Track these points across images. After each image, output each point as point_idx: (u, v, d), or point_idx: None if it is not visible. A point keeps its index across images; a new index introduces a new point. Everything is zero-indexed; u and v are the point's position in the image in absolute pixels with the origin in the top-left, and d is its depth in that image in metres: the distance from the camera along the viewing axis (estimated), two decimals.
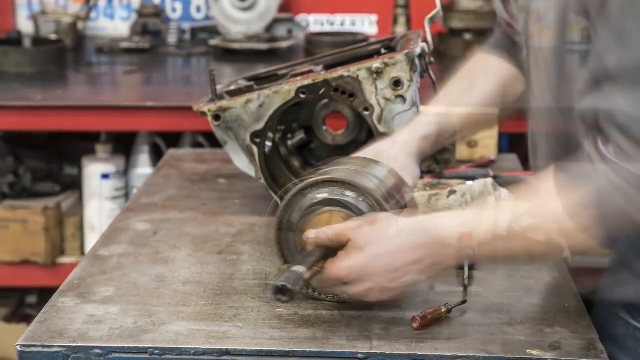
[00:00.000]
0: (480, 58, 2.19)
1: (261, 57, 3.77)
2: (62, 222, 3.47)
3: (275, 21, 4.14)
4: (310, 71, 2.32)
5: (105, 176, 3.44)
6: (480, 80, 2.12)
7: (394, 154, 1.96)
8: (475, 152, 2.80)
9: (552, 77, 1.76)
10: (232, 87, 2.40)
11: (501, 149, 3.33)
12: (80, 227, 3.47)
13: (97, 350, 1.64)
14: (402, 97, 2.18)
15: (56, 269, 3.39)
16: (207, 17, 4.28)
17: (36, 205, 3.41)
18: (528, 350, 1.62)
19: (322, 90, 2.20)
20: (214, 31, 4.16)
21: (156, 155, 3.51)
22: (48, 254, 3.40)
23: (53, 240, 3.42)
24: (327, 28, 4.28)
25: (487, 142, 2.80)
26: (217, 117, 2.23)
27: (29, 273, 3.42)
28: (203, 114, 2.25)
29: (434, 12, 2.29)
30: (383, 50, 2.43)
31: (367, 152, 1.98)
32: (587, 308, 1.81)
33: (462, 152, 2.80)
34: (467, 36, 3.94)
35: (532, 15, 1.82)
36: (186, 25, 4.25)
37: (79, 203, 3.53)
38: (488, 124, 2.24)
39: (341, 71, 2.19)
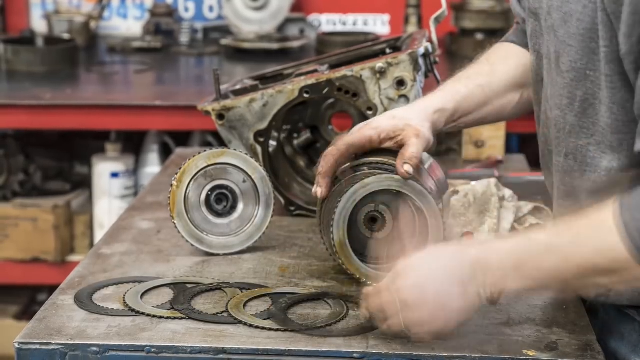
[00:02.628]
0: (500, 46, 2.13)
1: (272, 57, 3.77)
2: (71, 221, 3.48)
3: (288, 21, 4.15)
4: (315, 71, 2.32)
5: (114, 175, 3.45)
6: (500, 64, 2.06)
7: (410, 117, 1.91)
8: (482, 152, 2.79)
9: (575, 98, 1.71)
10: (238, 87, 2.40)
11: (511, 150, 3.34)
12: (90, 226, 3.49)
13: (95, 348, 1.64)
14: (406, 97, 2.18)
15: (66, 267, 3.41)
16: (220, 17, 4.28)
17: (46, 203, 3.43)
18: (524, 351, 1.62)
19: (326, 90, 2.20)
20: (226, 31, 4.17)
21: (165, 154, 3.52)
22: (58, 252, 3.42)
23: (63, 238, 3.43)
24: (339, 28, 4.28)
25: (495, 143, 2.80)
26: (220, 117, 2.24)
27: (39, 271, 3.44)
28: (207, 113, 2.25)
29: (438, 12, 2.29)
30: (388, 50, 2.43)
31: (385, 115, 1.95)
32: (590, 307, 1.81)
33: (469, 152, 2.80)
34: (479, 36, 3.93)
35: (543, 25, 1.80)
36: (198, 25, 4.26)
37: (89, 201, 3.54)
38: (502, 114, 2.10)
39: (344, 71, 2.19)
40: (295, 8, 4.18)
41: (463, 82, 2.03)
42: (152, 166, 3.52)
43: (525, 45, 2.07)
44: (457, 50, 3.94)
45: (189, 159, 2.05)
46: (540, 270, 1.56)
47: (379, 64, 2.17)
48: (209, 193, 2.05)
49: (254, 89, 2.33)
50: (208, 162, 2.04)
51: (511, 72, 2.05)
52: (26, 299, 3.72)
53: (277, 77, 2.47)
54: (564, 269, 1.55)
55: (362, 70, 2.18)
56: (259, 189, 2.06)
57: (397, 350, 1.62)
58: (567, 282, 1.57)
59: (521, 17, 2.09)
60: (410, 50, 2.18)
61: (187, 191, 2.03)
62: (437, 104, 1.96)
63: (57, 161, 3.62)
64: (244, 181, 2.06)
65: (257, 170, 2.06)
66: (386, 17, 4.28)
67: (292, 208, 2.28)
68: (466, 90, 2.00)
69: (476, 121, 2.06)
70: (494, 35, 3.90)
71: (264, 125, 2.23)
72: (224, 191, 2.05)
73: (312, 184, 2.34)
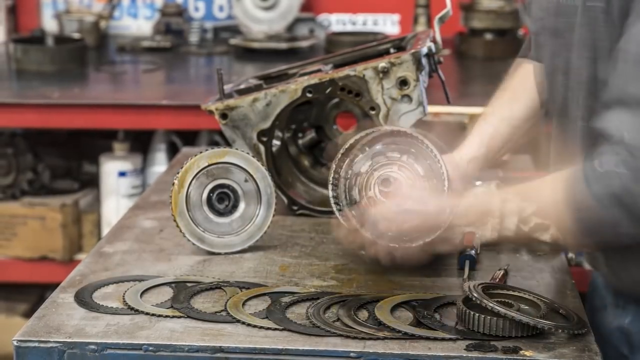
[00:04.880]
0: (518, 66, 2.19)
1: (281, 57, 3.77)
2: (79, 219, 3.49)
3: (297, 20, 4.15)
4: (319, 70, 2.33)
5: (122, 174, 3.46)
6: (520, 89, 2.14)
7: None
8: None
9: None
10: (242, 86, 2.41)
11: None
12: (98, 224, 3.50)
13: (92, 346, 1.65)
14: (408, 97, 2.18)
15: (74, 266, 3.38)
16: (230, 17, 4.29)
17: (54, 202, 3.44)
18: (522, 351, 1.62)
19: (329, 90, 2.20)
20: (236, 30, 4.18)
21: (173, 153, 3.52)
22: (65, 251, 3.43)
23: (70, 237, 3.44)
24: (349, 28, 4.28)
25: None
26: (224, 116, 2.24)
27: (47, 269, 3.45)
28: (210, 112, 2.26)
29: (443, 12, 2.29)
30: (392, 50, 2.43)
31: None
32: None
33: None
34: (488, 36, 3.92)
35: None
36: (208, 25, 4.27)
37: (97, 200, 3.55)
38: (533, 131, 2.22)
39: (347, 70, 2.19)
40: (305, 8, 4.18)
41: (489, 120, 2.15)
42: (160, 165, 3.52)
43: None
44: (466, 50, 3.94)
45: (191, 158, 2.06)
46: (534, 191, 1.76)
47: (382, 63, 2.17)
48: (211, 192, 2.05)
49: (257, 88, 2.34)
50: (210, 161, 2.05)
51: (532, 95, 2.12)
52: (34, 297, 3.72)
53: (282, 77, 2.47)
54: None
55: (365, 70, 2.18)
56: (260, 188, 2.06)
57: (394, 350, 1.62)
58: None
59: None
60: (413, 50, 2.18)
61: (189, 190, 2.04)
62: (469, 154, 2.10)
63: (65, 160, 3.62)
64: (246, 180, 2.06)
65: (259, 170, 2.07)
66: (396, 17, 4.28)
67: (295, 207, 2.29)
68: (492, 129, 2.13)
69: (510, 149, 2.21)
70: (503, 35, 3.90)
71: (267, 124, 2.23)
72: (225, 190, 2.06)
73: (316, 183, 2.37)
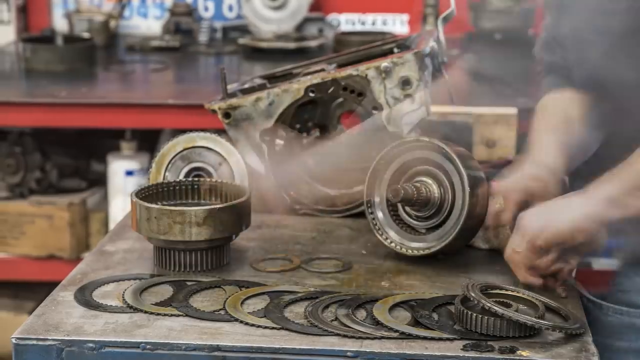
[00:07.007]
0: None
1: (290, 56, 3.77)
2: (87, 218, 3.50)
3: (307, 20, 4.15)
4: (322, 70, 2.33)
5: (129, 173, 3.47)
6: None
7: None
8: (493, 152, 2.77)
9: None
10: (247, 85, 2.41)
11: (524, 150, 3.31)
12: (105, 223, 3.50)
13: (90, 344, 1.65)
14: (411, 97, 2.18)
15: None
16: (239, 16, 4.29)
17: (61, 201, 3.45)
18: (519, 351, 1.61)
19: (331, 89, 2.21)
20: (245, 30, 4.18)
21: None
22: (73, 249, 3.44)
23: (78, 235, 3.45)
24: (358, 27, 4.28)
25: (506, 143, 2.78)
26: (227, 115, 2.25)
27: (55, 268, 3.46)
28: (214, 111, 2.27)
29: (447, 12, 2.29)
30: (396, 50, 2.42)
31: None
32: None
33: (480, 152, 2.78)
34: (497, 36, 3.91)
35: None
36: (218, 24, 4.27)
37: (105, 199, 3.56)
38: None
39: (350, 70, 2.20)
40: (314, 7, 4.18)
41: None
42: None
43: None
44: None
45: (168, 143, 2.19)
46: None
47: (384, 63, 2.17)
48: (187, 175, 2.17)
49: (261, 87, 2.34)
50: (185, 145, 2.16)
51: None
52: (42, 296, 3.71)
53: (286, 76, 2.47)
54: None
55: (368, 69, 2.18)
56: (234, 172, 2.13)
57: (391, 349, 1.62)
58: None
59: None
60: (415, 50, 2.18)
61: (166, 174, 2.16)
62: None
63: (73, 159, 3.63)
64: (220, 164, 2.11)
65: (232, 153, 2.14)
66: (405, 17, 4.28)
67: (298, 207, 2.29)
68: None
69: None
70: (512, 34, 3.90)
71: (270, 124, 2.24)
72: (200, 173, 2.14)
73: (319, 183, 2.37)
